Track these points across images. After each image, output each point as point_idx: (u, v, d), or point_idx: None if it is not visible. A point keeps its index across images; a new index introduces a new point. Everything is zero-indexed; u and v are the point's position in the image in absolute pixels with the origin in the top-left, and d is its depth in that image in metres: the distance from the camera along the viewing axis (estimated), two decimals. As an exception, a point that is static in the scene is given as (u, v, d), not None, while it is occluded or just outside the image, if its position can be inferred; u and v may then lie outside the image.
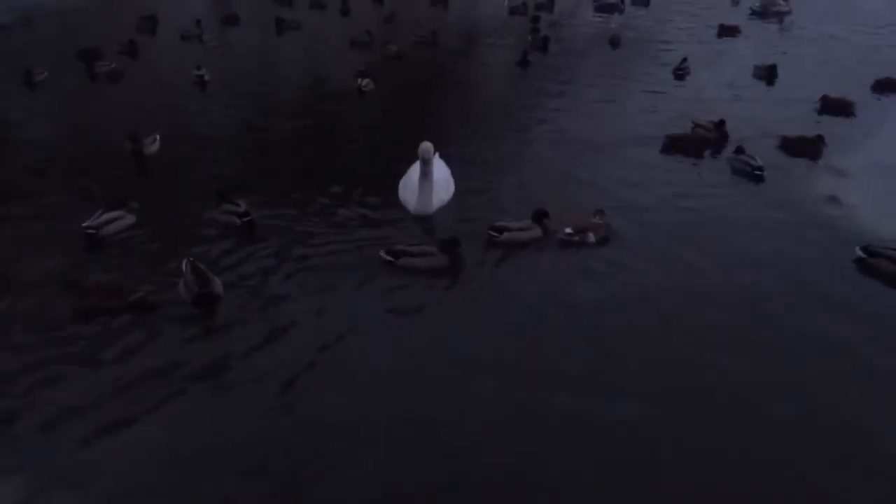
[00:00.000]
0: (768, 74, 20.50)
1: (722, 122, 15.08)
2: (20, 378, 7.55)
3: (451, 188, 12.00)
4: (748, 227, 11.21)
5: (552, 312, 8.84)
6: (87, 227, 10.71)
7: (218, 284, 8.95)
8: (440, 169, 11.81)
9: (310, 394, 7.40)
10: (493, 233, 10.63)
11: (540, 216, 10.75)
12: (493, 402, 7.30)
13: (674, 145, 14.67)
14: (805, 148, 14.52)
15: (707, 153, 14.55)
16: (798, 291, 9.37)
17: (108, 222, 10.89)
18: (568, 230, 10.61)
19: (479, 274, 9.79)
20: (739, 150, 13.89)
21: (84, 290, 8.79)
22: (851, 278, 9.78)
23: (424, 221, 11.29)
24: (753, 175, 13.32)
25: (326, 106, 18.96)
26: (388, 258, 9.87)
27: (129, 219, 11.13)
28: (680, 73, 21.23)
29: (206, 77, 20.26)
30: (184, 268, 8.95)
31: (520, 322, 8.66)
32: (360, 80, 19.35)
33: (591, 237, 10.59)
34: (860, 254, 10.04)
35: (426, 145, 11.00)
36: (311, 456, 6.57)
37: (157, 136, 14.61)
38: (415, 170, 11.54)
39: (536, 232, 10.71)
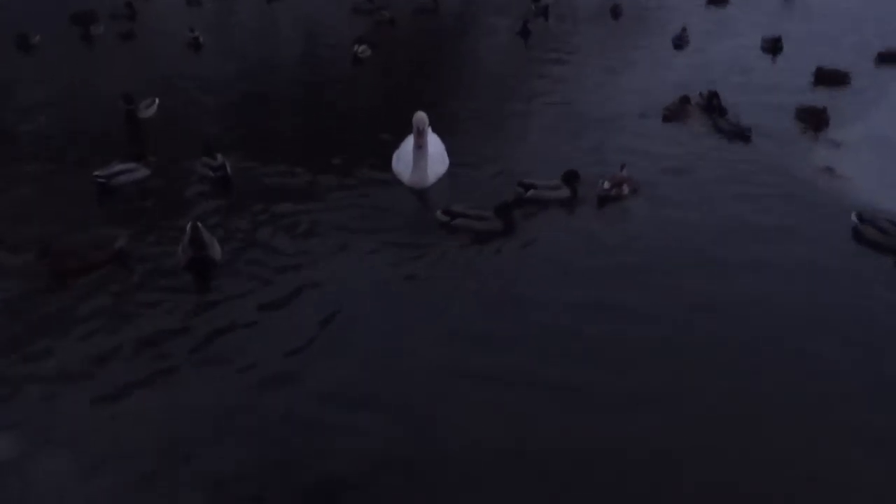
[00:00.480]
0: (773, 46, 20.29)
1: (714, 94, 14.91)
2: (14, 340, 7.55)
3: (446, 161, 11.79)
4: (749, 198, 11.04)
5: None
6: (98, 176, 10.78)
7: (216, 250, 8.88)
8: (434, 143, 11.59)
9: (307, 362, 7.36)
10: (520, 189, 10.76)
11: (570, 178, 10.83)
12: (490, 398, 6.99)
13: (670, 118, 14.60)
14: (815, 117, 14.51)
15: (704, 124, 14.47)
16: (798, 266, 9.21)
17: (121, 173, 11.02)
18: (605, 184, 10.85)
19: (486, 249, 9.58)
20: (722, 111, 14.30)
21: (59, 252, 8.62)
22: (850, 250, 9.72)
23: (420, 193, 11.13)
24: (743, 136, 13.52)
25: (321, 71, 18.82)
26: (445, 218, 9.96)
27: (143, 172, 11.22)
28: (679, 43, 21.03)
29: (201, 39, 20.06)
30: (187, 230, 8.84)
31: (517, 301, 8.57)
32: (356, 46, 19.16)
33: (626, 189, 10.96)
34: (855, 220, 10.04)
35: (420, 115, 10.68)
36: (304, 424, 6.53)
37: (156, 100, 14.48)
38: (409, 142, 11.24)
39: (564, 192, 10.80)
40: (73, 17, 21.67)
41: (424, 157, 10.95)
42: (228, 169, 11.13)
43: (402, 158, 11.43)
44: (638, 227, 10.21)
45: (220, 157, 11.26)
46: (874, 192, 11.27)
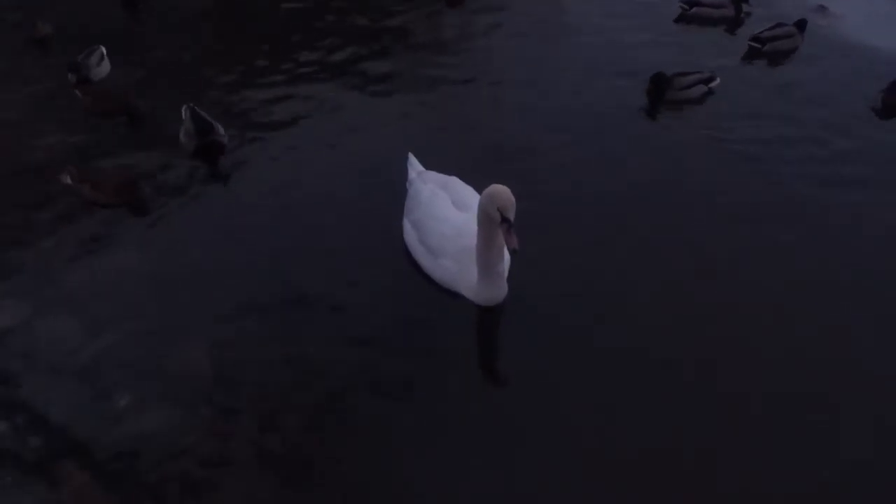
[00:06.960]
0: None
1: None
2: (11, 210, 7.63)
3: None
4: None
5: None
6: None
7: (221, 133, 8.43)
8: (469, 197, 6.64)
9: (298, 217, 7.40)
10: (684, 6, 11.24)
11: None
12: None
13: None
14: None
15: None
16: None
17: None
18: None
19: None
20: None
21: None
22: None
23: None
24: None
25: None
26: (684, 6, 10.84)
27: None
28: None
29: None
30: (183, 115, 8.42)
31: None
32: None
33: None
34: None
35: (504, 193, 5.48)
36: (297, 279, 6.58)
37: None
38: (444, 217, 6.48)
39: (729, 11, 11.18)
40: None
41: (503, 261, 6.15)
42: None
43: (446, 250, 6.33)
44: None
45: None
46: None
